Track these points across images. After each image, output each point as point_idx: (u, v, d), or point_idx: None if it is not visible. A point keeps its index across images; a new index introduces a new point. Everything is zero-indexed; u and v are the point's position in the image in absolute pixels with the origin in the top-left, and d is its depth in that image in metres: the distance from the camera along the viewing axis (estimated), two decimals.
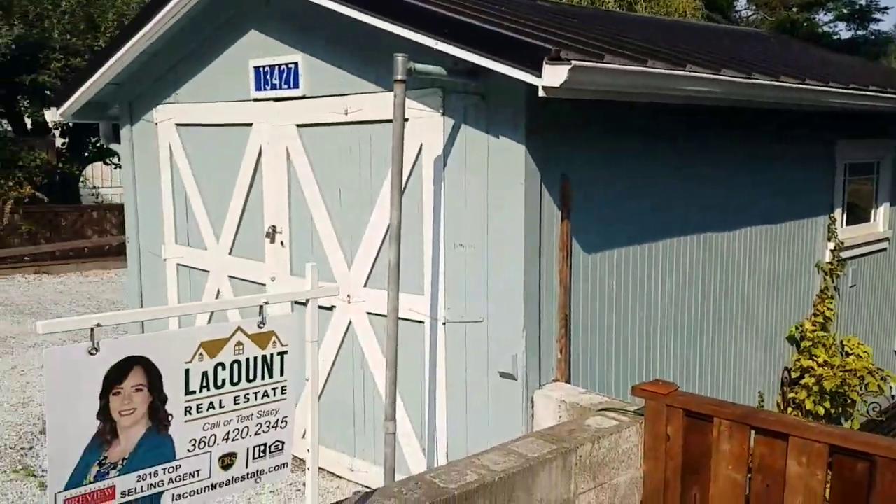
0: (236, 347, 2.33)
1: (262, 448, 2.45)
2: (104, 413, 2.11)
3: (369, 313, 4.87)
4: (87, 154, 13.95)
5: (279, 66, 5.24)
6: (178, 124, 6.30)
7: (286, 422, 2.48)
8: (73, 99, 6.80)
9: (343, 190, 4.99)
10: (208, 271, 6.21)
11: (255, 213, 5.68)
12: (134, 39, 5.95)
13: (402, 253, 4.05)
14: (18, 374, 6.67)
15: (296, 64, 5.12)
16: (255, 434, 2.42)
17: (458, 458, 4.37)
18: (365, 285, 4.88)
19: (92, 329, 2.07)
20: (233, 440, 2.37)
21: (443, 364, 4.47)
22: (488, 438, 4.20)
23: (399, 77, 3.78)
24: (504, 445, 3.35)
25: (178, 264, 6.54)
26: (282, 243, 5.46)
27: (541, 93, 3.44)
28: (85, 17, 12.24)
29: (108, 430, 2.12)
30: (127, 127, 6.84)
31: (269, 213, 5.54)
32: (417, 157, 4.38)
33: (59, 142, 13.63)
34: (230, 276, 6.00)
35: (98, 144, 13.93)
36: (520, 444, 3.36)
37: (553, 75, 3.36)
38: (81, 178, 14.58)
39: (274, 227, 5.48)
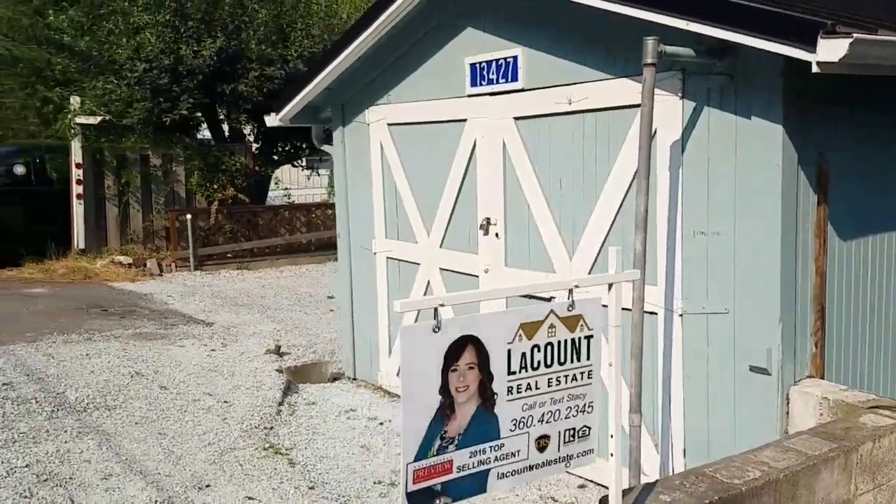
0: (549, 330, 2.34)
1: (571, 432, 2.45)
2: (444, 388, 2.20)
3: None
4: (276, 158, 14.79)
5: (497, 61, 5.29)
6: (389, 124, 6.51)
7: (592, 407, 2.46)
8: (291, 104, 7.21)
9: (563, 179, 4.96)
10: (418, 264, 6.38)
11: (468, 207, 5.77)
12: (351, 47, 6.24)
13: (631, 241, 3.96)
14: (247, 360, 7.12)
15: (515, 58, 5.14)
16: (566, 418, 2.42)
17: (698, 453, 4.23)
18: (588, 274, 4.81)
19: (436, 308, 2.16)
20: (546, 422, 2.38)
21: (679, 357, 4.33)
22: (734, 435, 4.03)
23: (649, 61, 3.70)
24: (779, 442, 3.19)
25: (388, 257, 6.77)
26: (496, 235, 5.50)
27: (814, 68, 3.25)
28: (277, 28, 12.98)
29: (447, 405, 2.22)
30: (339, 129, 7.15)
31: (482, 205, 5.60)
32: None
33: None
34: (441, 269, 6.13)
35: (287, 149, 14.74)
36: (795, 441, 3.19)
37: (830, 50, 3.16)
38: (275, 181, 15.49)
39: (488, 219, 5.54)
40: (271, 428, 5.64)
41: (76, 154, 11.85)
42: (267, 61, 12.57)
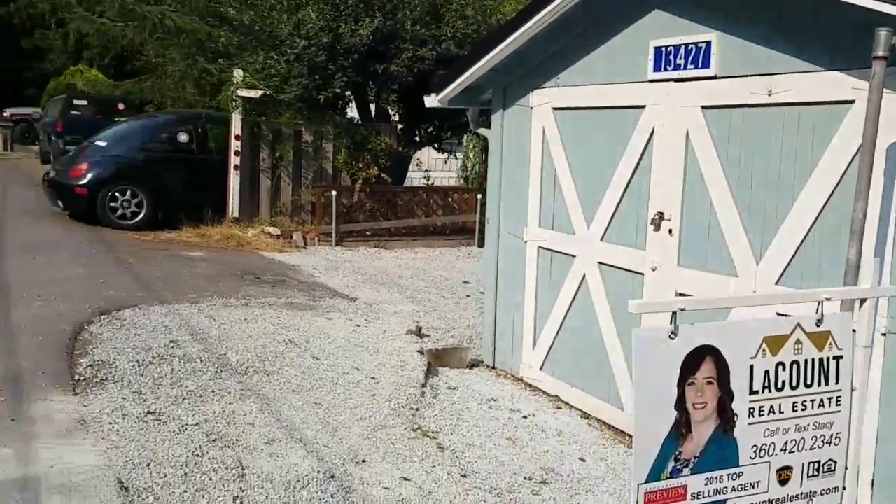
0: (795, 346, 2.12)
1: (816, 465, 2.22)
2: (680, 403, 2.02)
3: (779, 314, 4.48)
4: (418, 139, 14.89)
5: (686, 45, 5.02)
6: (555, 108, 6.34)
7: (839, 438, 2.22)
8: (454, 85, 7.14)
9: (755, 176, 4.64)
10: (574, 256, 6.20)
11: (638, 199, 5.54)
12: (526, 26, 6.08)
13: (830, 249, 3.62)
14: (390, 338, 7.18)
15: (708, 43, 4.86)
16: (810, 448, 2.20)
17: (890, 488, 3.86)
18: (777, 282, 4.49)
19: (674, 313, 1.98)
20: (790, 452, 2.16)
21: (877, 380, 3.95)
22: None
23: (880, 53, 3.39)
24: None
25: (540, 247, 6.62)
26: (669, 231, 5.24)
27: None
28: (431, 8, 13.00)
29: (682, 422, 2.03)
30: (499, 111, 7.04)
31: (655, 199, 5.35)
32: (874, 142, 3.89)
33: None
34: (600, 263, 5.93)
35: (430, 131, 14.81)
36: None
37: None
38: (416, 162, 15.63)
39: (661, 213, 5.28)
40: (417, 409, 5.63)
41: (236, 126, 12.34)
42: (420, 42, 12.62)
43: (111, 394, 4.94)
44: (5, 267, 8.32)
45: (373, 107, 14.57)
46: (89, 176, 11.92)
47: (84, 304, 6.85)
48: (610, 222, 5.82)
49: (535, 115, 6.59)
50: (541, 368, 6.68)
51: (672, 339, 1.98)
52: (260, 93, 11.97)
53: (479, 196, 13.58)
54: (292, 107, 12.80)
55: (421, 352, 7.10)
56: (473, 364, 7.30)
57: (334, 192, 12.49)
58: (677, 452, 1.99)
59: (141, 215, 12.13)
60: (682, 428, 1.99)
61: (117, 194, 11.96)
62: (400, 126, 14.59)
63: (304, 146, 13.04)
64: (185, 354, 5.81)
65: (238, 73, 12.26)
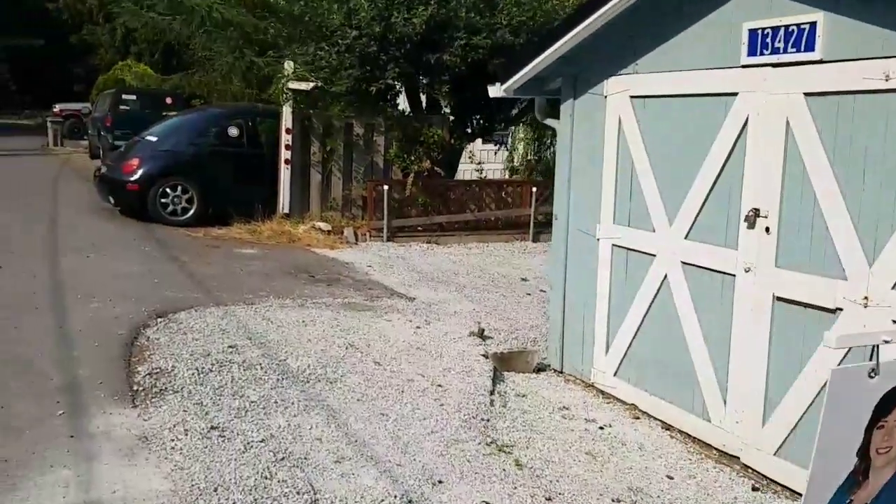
0: None
1: None
2: (863, 449, 1.63)
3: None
4: (469, 131, 14.51)
5: (786, 27, 4.56)
6: (633, 96, 5.93)
7: None
8: (520, 74, 6.76)
9: (868, 169, 4.18)
10: (653, 255, 5.79)
11: (729, 194, 5.11)
12: (603, 9, 5.67)
13: None
14: (452, 341, 6.85)
15: (812, 24, 4.40)
16: None
17: None
18: (894, 286, 4.03)
19: (875, 347, 1.58)
20: None
21: None
22: None
23: None
24: None
25: (615, 245, 6.22)
26: (766, 229, 4.80)
27: None
28: None
29: (861, 469, 1.66)
30: (569, 101, 6.64)
31: (749, 193, 4.92)
32: None
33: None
34: (683, 262, 5.51)
35: (482, 122, 14.42)
36: None
37: None
38: (470, 155, 15.26)
39: (757, 210, 4.84)
40: (488, 420, 5.29)
41: (287, 119, 12.10)
42: (473, 30, 12.22)
43: (172, 406, 4.69)
44: (60, 266, 8.18)
45: (423, 98, 14.22)
46: (140, 172, 11.80)
47: (140, 306, 6.65)
48: (696, 219, 5.39)
49: (609, 105, 6.18)
50: (615, 374, 6.28)
51: (872, 377, 1.60)
52: (311, 85, 11.70)
53: (534, 189, 13.19)
54: (343, 99, 12.52)
55: (486, 355, 6.76)
56: (540, 368, 6.93)
57: (386, 187, 12.19)
58: (848, 501, 1.64)
59: (192, 211, 11.98)
60: (859, 475, 1.65)
61: (168, 190, 11.83)
62: (451, 118, 14.22)
63: (354, 139, 12.75)
64: (245, 360, 5.54)
65: (289, 65, 12.01)
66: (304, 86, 11.81)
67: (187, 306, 6.79)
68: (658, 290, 5.78)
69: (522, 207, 13.49)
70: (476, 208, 13.30)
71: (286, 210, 12.26)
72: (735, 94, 5.01)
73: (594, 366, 6.47)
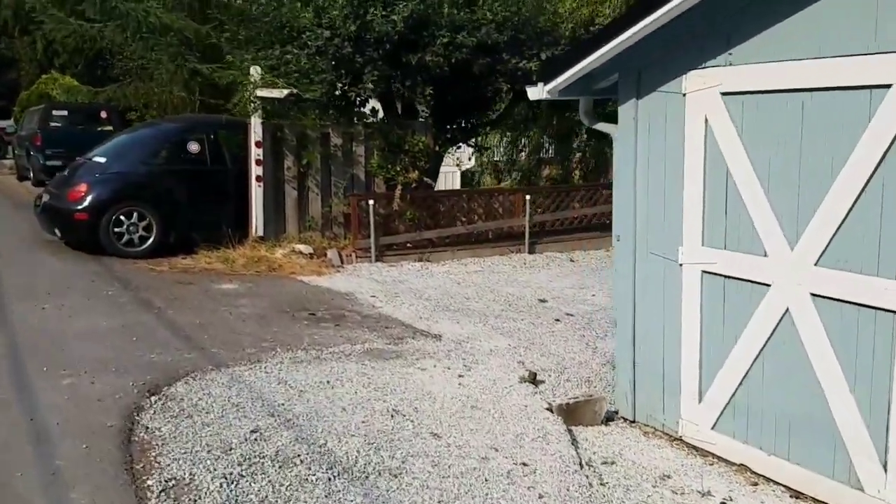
0: None
1: None
2: None
3: None
4: (450, 136, 13.36)
5: None
6: (725, 93, 4.92)
7: None
8: (570, 72, 5.71)
9: None
10: (767, 284, 4.77)
11: (885, 209, 4.09)
12: None
13: None
14: (504, 391, 5.76)
15: None
16: None
17: None
18: None
19: None
20: None
21: None
22: None
23: None
24: None
25: (706, 272, 5.18)
26: None
27: None
28: None
29: None
30: (630, 101, 5.60)
31: None
32: None
33: None
34: (814, 295, 4.48)
35: (463, 126, 13.29)
36: None
37: None
38: (456, 161, 14.09)
39: None
40: None
41: (256, 131, 10.70)
42: (456, 27, 11.07)
43: None
44: (10, 322, 6.68)
45: (399, 104, 12.97)
46: (89, 198, 10.21)
47: (125, 379, 5.28)
48: (833, 238, 4.37)
49: (691, 104, 5.14)
50: (712, 428, 5.23)
51: None
52: (286, 91, 10.34)
53: (528, 197, 12.12)
54: (316, 107, 11.21)
55: (550, 409, 5.65)
56: (608, 418, 5.85)
57: (371, 202, 10.93)
58: None
59: (150, 240, 10.48)
60: None
61: (122, 217, 10.29)
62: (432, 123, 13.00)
63: (332, 150, 11.44)
64: (278, 452, 4.28)
65: (255, 71, 10.63)
66: (276, 93, 10.44)
67: (183, 374, 5.45)
68: (776, 328, 4.76)
69: (515, 217, 12.40)
70: (467, 220, 12.15)
71: (260, 233, 10.89)
72: (887, 87, 4.01)
73: (682, 417, 5.41)
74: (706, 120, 5.06)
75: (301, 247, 10.86)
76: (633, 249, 5.71)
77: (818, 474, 4.56)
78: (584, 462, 4.85)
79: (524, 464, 4.58)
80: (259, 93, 10.49)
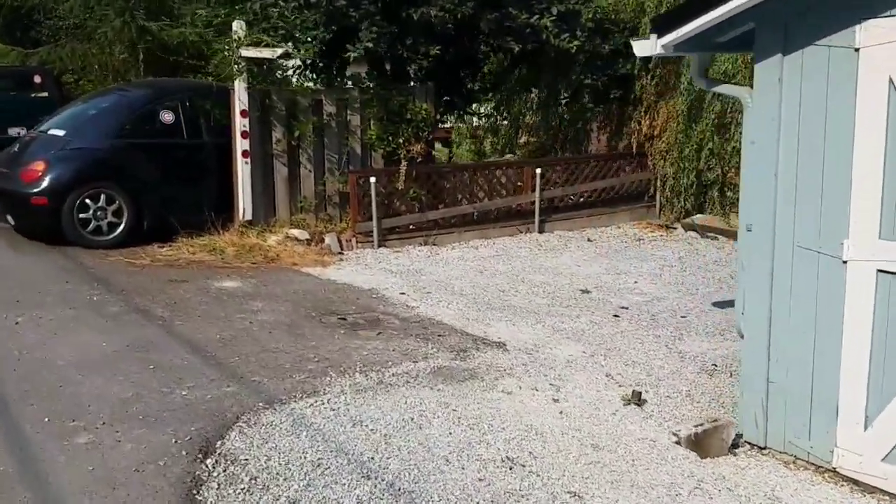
0: None
1: None
2: None
3: None
4: (452, 102, 12.10)
5: None
6: None
7: None
8: (694, 25, 4.63)
9: None
10: None
11: None
12: None
13: None
14: (615, 420, 4.77)
15: None
16: None
17: None
18: None
19: None
20: None
21: None
22: None
23: None
24: None
25: (883, 271, 4.18)
26: None
27: None
28: None
29: None
30: (772, 59, 4.56)
31: None
32: None
33: None
34: None
35: (466, 91, 12.07)
36: None
37: None
38: (457, 132, 12.85)
39: None
40: None
41: (242, 98, 9.22)
42: None
43: None
44: None
45: (388, 65, 11.61)
46: (48, 179, 8.63)
47: (161, 431, 3.99)
48: None
49: (867, 61, 4.13)
50: (883, 459, 4.29)
51: None
52: (280, 51, 8.90)
53: (538, 171, 11.02)
54: (305, 70, 9.83)
55: (679, 442, 4.65)
56: (734, 444, 4.87)
57: (373, 179, 9.66)
58: None
59: (121, 227, 8.98)
60: None
61: (88, 201, 8.76)
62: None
63: (325, 120, 10.06)
64: None
65: (239, 26, 9.13)
66: (266, 53, 9.00)
67: (232, 418, 4.20)
68: None
69: (524, 193, 11.29)
70: (473, 198, 10.96)
71: (248, 216, 9.49)
72: None
73: (838, 445, 4.46)
74: (891, 81, 4.04)
75: (296, 232, 9.54)
76: (772, 242, 4.68)
77: None
78: None
79: None
80: (244, 53, 9.03)
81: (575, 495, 3.80)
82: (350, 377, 5.00)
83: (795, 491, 4.31)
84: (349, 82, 10.50)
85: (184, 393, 4.54)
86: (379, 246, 9.76)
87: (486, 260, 9.39)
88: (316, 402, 4.54)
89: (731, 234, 10.76)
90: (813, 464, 4.59)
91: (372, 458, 3.90)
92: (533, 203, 11.12)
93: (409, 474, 3.76)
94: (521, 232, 11.10)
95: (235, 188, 9.47)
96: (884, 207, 4.16)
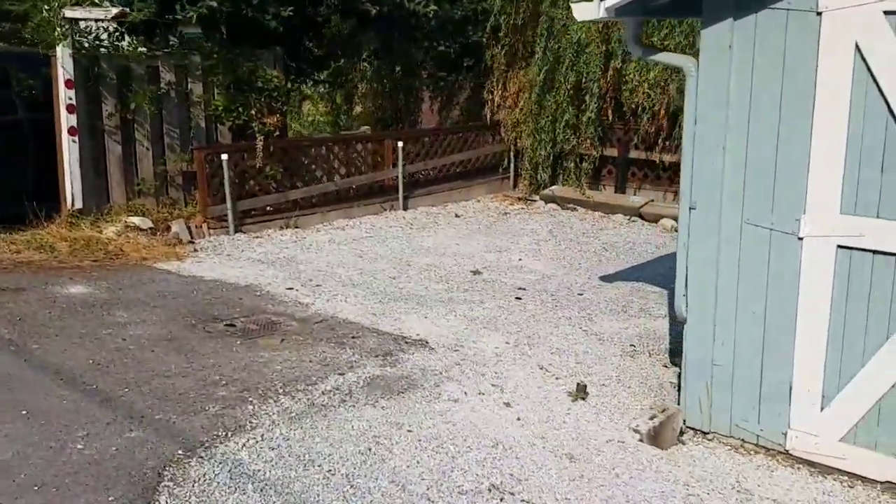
0: None
1: None
2: None
3: None
4: (302, 68, 11.10)
5: None
6: (889, 11, 3.78)
7: None
8: None
9: None
10: None
11: None
12: None
13: None
14: (572, 420, 4.38)
15: None
16: None
17: None
18: None
19: None
20: None
21: None
22: None
23: None
24: None
25: (843, 246, 4.07)
26: None
27: None
28: None
29: None
30: (723, 24, 4.31)
31: None
32: None
33: None
34: None
35: (314, 57, 11.11)
36: None
37: None
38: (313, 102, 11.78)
39: None
40: None
41: (65, 66, 7.74)
42: None
43: None
44: None
45: (224, 28, 10.38)
46: None
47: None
48: None
49: (830, 25, 3.97)
50: (840, 439, 4.22)
51: None
52: (114, 11, 7.53)
53: (399, 144, 10.40)
54: (136, 33, 8.50)
55: (642, 440, 4.35)
56: (680, 431, 4.68)
57: (225, 156, 8.59)
58: None
59: None
60: None
61: None
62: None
63: (164, 90, 8.78)
64: None
65: None
66: (97, 13, 7.60)
67: (153, 476, 3.27)
68: None
69: (384, 168, 10.64)
70: (333, 175, 10.13)
71: (77, 204, 8.09)
72: None
73: (791, 427, 4.35)
74: (857, 47, 3.87)
75: (136, 220, 8.28)
76: (718, 220, 4.44)
77: None
78: None
79: None
80: (69, 13, 7.57)
81: None
82: (275, 402, 4.19)
83: (760, 479, 4.13)
84: (188, 47, 9.24)
85: (79, 446, 3.52)
86: (235, 231, 8.74)
87: (360, 242, 8.69)
88: (248, 440, 3.71)
89: (590, 206, 10.82)
90: (763, 447, 4.45)
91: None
92: (395, 178, 10.53)
93: None
94: (385, 209, 10.48)
95: (61, 172, 8.02)
96: (845, 181, 4.01)
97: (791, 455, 4.37)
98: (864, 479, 4.12)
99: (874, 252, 3.99)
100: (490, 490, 3.49)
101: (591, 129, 10.90)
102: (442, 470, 3.62)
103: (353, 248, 8.35)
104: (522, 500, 3.43)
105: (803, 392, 4.30)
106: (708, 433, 4.65)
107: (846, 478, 4.16)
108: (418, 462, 3.67)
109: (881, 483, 4.11)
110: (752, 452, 4.40)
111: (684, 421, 4.74)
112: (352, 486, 3.38)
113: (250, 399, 4.20)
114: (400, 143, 10.43)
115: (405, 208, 10.59)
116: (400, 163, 10.41)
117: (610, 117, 10.99)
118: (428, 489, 3.43)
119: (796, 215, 4.16)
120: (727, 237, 4.43)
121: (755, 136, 4.27)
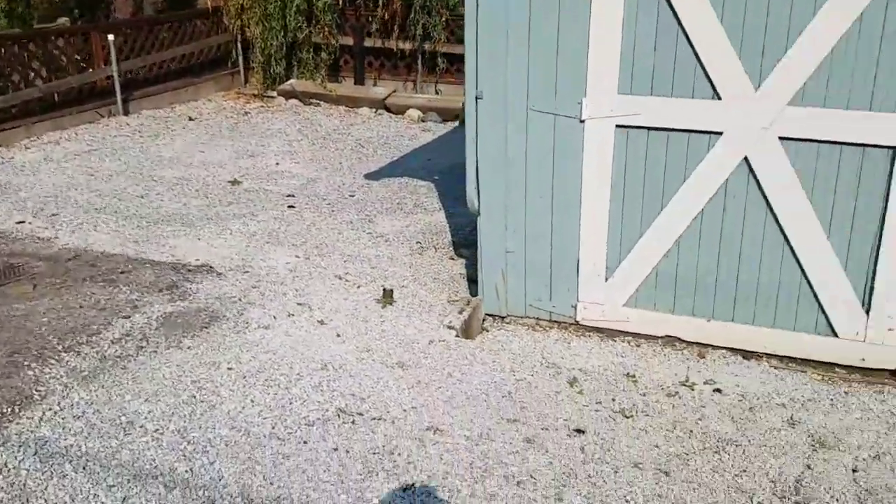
0: None
1: None
2: None
3: None
4: None
5: None
6: None
7: None
8: None
9: None
10: (718, 133, 4.18)
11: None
12: None
13: None
14: (390, 326, 4.24)
15: None
16: None
17: None
18: None
19: None
20: None
21: None
22: None
23: None
24: None
25: (622, 126, 4.33)
26: None
27: None
28: None
29: None
30: None
31: None
32: None
33: None
34: (785, 138, 4.06)
35: None
36: None
37: None
38: None
39: None
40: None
41: None
42: None
43: None
44: None
45: None
46: None
47: None
48: (812, 75, 3.90)
49: None
50: (625, 304, 4.61)
51: None
52: None
53: (111, 38, 9.10)
54: None
55: (458, 335, 4.41)
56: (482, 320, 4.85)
57: None
58: None
59: None
60: None
61: None
62: None
63: None
64: None
65: None
66: None
67: None
68: (725, 183, 4.23)
69: (97, 67, 9.29)
70: (35, 79, 8.62)
71: None
72: None
73: (580, 300, 4.66)
74: None
75: None
76: (505, 109, 4.45)
77: (778, 329, 4.35)
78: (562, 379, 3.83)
79: (579, 430, 3.40)
80: None
81: (434, 429, 3.28)
82: (58, 362, 3.52)
83: (561, 353, 4.36)
84: None
85: None
86: None
87: (85, 158, 7.59)
88: (44, 413, 3.08)
89: (332, 100, 10.42)
90: (556, 322, 4.70)
91: (189, 471, 2.81)
92: (110, 79, 9.24)
93: (258, 477, 2.80)
94: (103, 116, 9.22)
95: None
96: (622, 62, 4.17)
97: (581, 325, 4.67)
98: (647, 337, 4.52)
99: (649, 129, 4.24)
100: (339, 415, 3.29)
101: (327, 15, 10.36)
102: (280, 404, 3.34)
103: (80, 166, 7.27)
104: (373, 419, 3.29)
105: (589, 266, 4.56)
106: (505, 317, 4.80)
107: (631, 338, 4.54)
108: (252, 401, 3.34)
109: (661, 338, 4.55)
110: (546, 328, 4.62)
111: (485, 310, 4.86)
112: (189, 443, 2.98)
113: (25, 363, 3.49)
114: (111, 37, 9.12)
115: (126, 113, 9.41)
116: (114, 59, 9.14)
117: (340, 2, 10.52)
118: (273, 428, 3.15)
119: (578, 99, 4.27)
120: (513, 126, 4.44)
121: (537, 23, 4.24)
